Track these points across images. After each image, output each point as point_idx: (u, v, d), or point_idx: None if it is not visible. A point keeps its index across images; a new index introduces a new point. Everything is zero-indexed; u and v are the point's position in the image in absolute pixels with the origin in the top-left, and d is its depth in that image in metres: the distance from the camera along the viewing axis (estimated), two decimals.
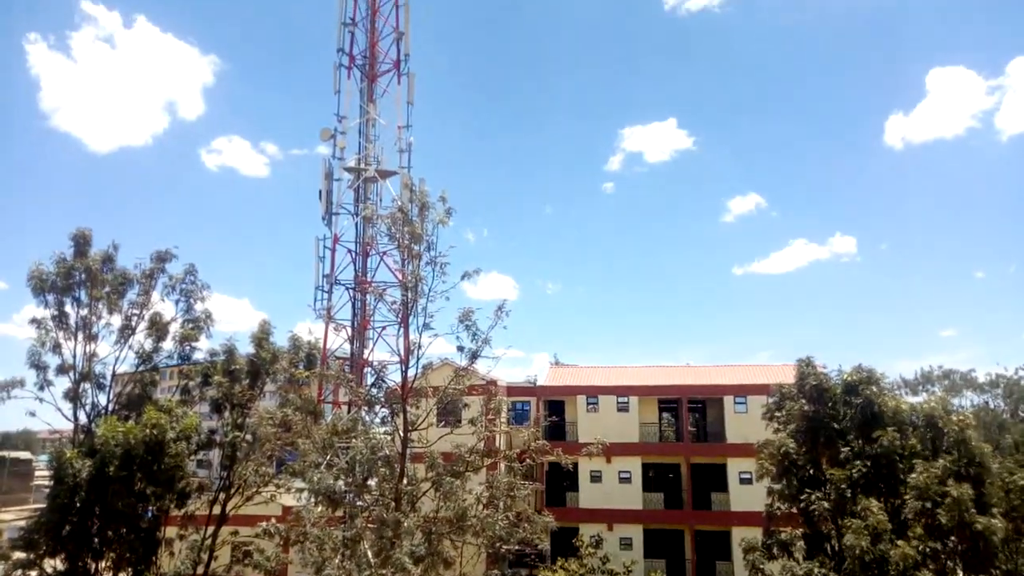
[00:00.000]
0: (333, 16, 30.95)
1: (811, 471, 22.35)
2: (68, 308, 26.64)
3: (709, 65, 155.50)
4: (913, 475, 19.50)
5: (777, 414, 24.01)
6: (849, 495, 20.60)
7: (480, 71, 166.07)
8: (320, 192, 29.94)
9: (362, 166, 30.32)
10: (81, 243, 26.66)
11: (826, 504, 20.80)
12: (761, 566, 22.40)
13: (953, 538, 18.88)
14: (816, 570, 20.18)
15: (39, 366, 26.23)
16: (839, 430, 22.04)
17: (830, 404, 22.47)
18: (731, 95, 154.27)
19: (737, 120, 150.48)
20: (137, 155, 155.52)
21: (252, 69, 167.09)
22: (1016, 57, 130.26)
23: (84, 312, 26.76)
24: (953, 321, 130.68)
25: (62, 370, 26.52)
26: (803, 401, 22.93)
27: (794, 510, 22.48)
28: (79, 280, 26.43)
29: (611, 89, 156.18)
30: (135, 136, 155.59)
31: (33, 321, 26.28)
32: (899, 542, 18.32)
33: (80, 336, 26.69)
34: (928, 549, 18.41)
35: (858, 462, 20.97)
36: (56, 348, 26.42)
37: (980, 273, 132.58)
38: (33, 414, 43.16)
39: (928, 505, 18.81)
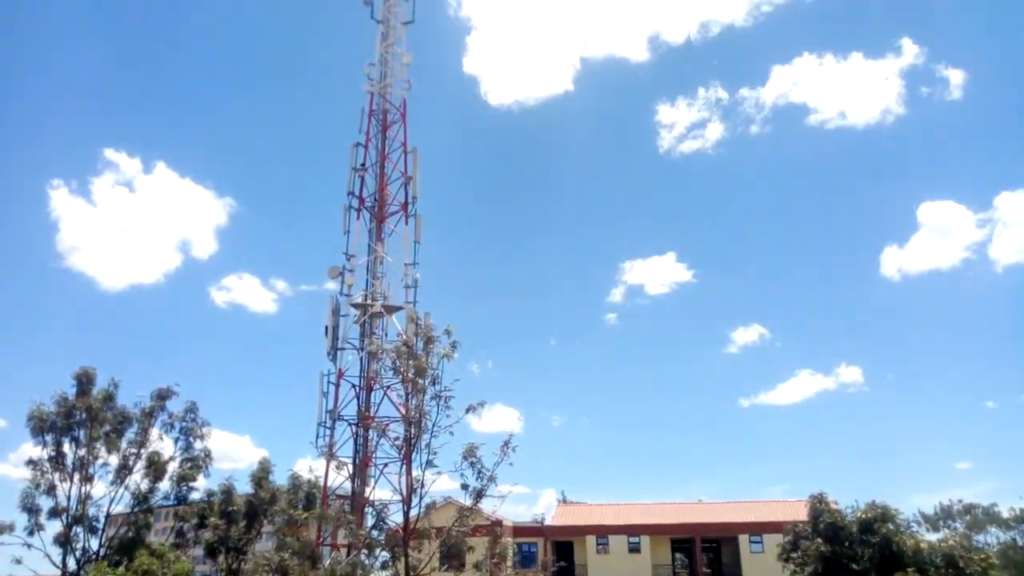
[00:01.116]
0: (345, 160, 32.54)
1: None
2: (66, 448, 26.36)
3: (705, 202, 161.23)
4: None
5: (793, 555, 23.08)
6: None
7: (485, 208, 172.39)
8: (326, 328, 30.25)
9: (368, 302, 30.83)
10: (84, 382, 26.73)
11: None
12: None
13: None
14: None
15: (31, 509, 25.59)
16: (858, 571, 21.10)
17: (846, 543, 21.65)
18: (728, 229, 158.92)
19: (735, 253, 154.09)
20: (147, 293, 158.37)
21: (265, 209, 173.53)
22: (1002, 192, 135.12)
23: (82, 452, 26.42)
24: (968, 453, 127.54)
25: (55, 513, 25.83)
26: (819, 540, 22.12)
27: None
28: (79, 419, 26.29)
29: (610, 225, 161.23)
30: (147, 275, 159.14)
31: (29, 462, 25.92)
32: None
33: (76, 477, 26.20)
34: None
35: None
36: (51, 490, 25.87)
37: (991, 403, 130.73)
38: (19, 561, 41.20)
39: None
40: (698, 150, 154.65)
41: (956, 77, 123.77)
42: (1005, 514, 53.35)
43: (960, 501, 55.58)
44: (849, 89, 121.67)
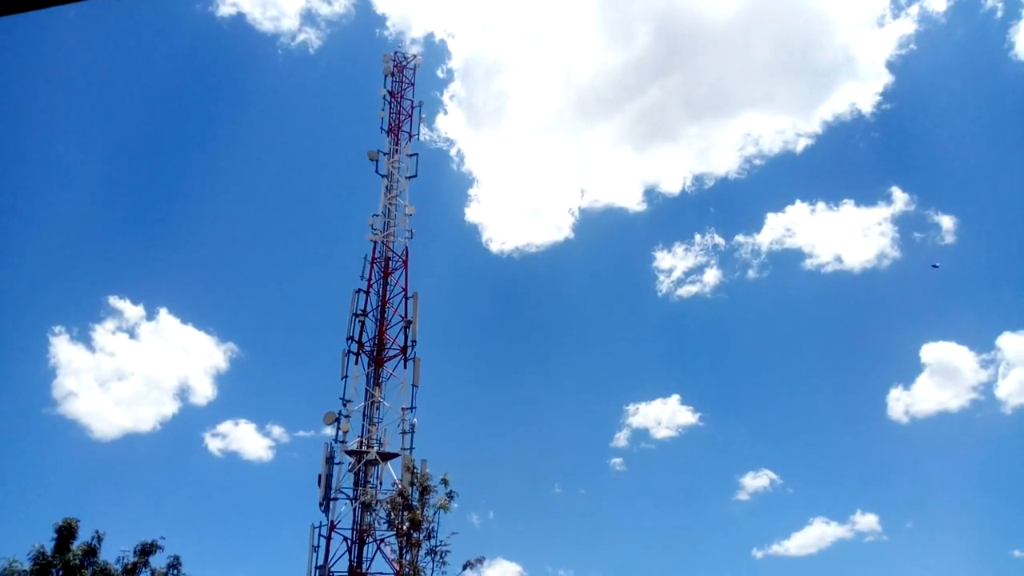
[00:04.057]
0: (346, 306, 33.01)
1: None
2: None
3: (707, 344, 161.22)
4: None
5: None
6: None
7: (485, 353, 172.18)
8: (319, 477, 29.43)
9: (364, 448, 30.17)
10: (65, 535, 25.54)
11: None
12: None
13: None
14: None
15: None
16: None
17: None
18: (732, 372, 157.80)
19: (741, 396, 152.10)
20: (141, 441, 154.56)
21: (266, 355, 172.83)
22: (1004, 332, 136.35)
23: None
24: None
25: None
26: None
27: None
28: None
29: (613, 368, 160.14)
30: (142, 422, 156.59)
31: None
32: None
33: None
34: None
35: None
36: None
37: (1018, 552, 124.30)
38: None
39: None
40: (697, 294, 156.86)
41: (947, 223, 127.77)
42: None
43: None
44: (843, 235, 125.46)
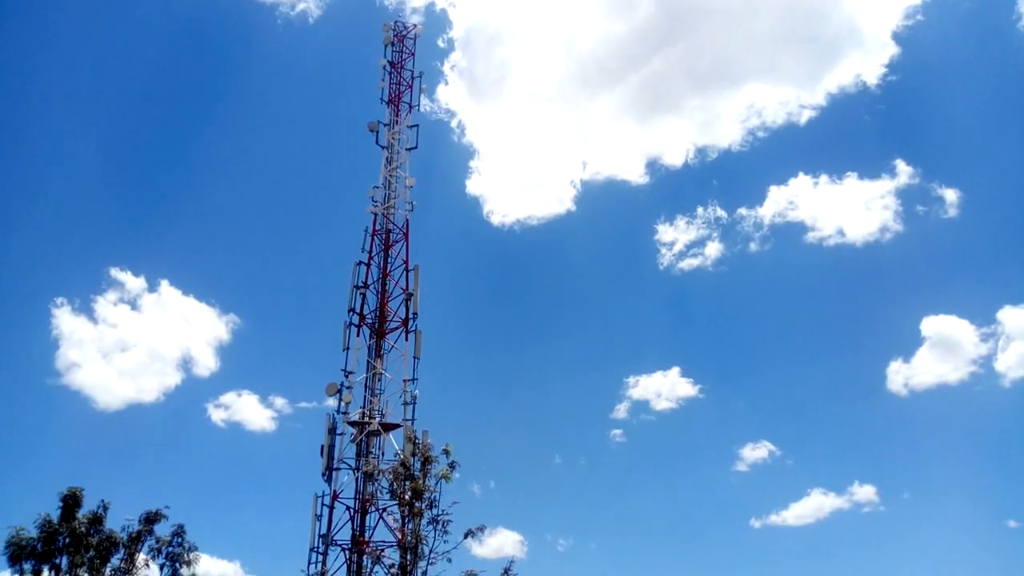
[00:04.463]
0: (347, 278, 32.95)
1: None
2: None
3: (708, 317, 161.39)
4: None
5: None
6: None
7: (486, 325, 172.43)
8: (322, 447, 29.65)
9: (366, 419, 30.36)
10: (70, 504, 25.82)
11: None
12: None
13: None
14: None
15: None
16: None
17: None
18: (732, 345, 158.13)
19: (741, 369, 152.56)
20: (145, 412, 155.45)
21: (268, 326, 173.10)
22: (1004, 306, 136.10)
23: None
24: (993, 575, 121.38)
25: None
26: None
27: None
28: (62, 545, 25.21)
29: (613, 340, 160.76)
30: (146, 393, 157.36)
31: None
32: None
33: None
34: None
35: None
36: None
37: (1012, 522, 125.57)
38: None
39: None
40: (698, 267, 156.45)
41: (951, 196, 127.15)
42: None
43: None
44: (846, 208, 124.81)
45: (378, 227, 34.04)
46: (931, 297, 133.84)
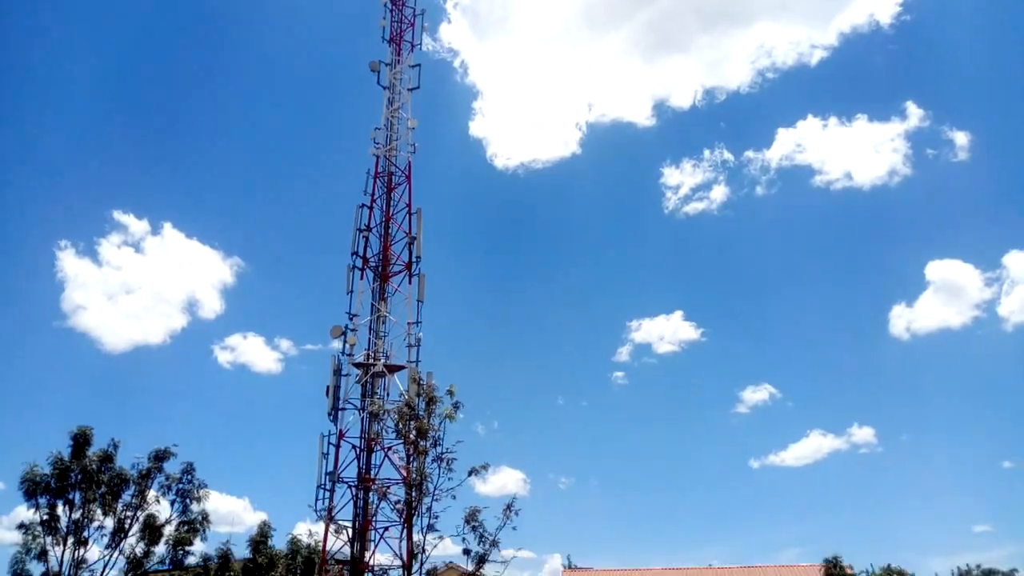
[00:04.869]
0: (350, 220, 32.89)
1: None
2: (60, 511, 25.84)
3: (712, 261, 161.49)
4: None
5: None
6: None
7: (490, 269, 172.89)
8: (327, 388, 30.01)
9: (371, 361, 30.65)
10: (80, 442, 26.38)
11: None
12: None
13: None
14: None
15: (21, 575, 24.98)
16: None
17: None
18: (736, 288, 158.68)
19: (744, 312, 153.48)
20: (151, 354, 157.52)
21: (272, 269, 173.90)
22: (1011, 251, 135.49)
23: (77, 515, 25.89)
24: (986, 516, 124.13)
25: None
26: None
27: None
28: (75, 481, 25.86)
29: (616, 283, 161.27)
30: (152, 335, 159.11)
31: (20, 526, 25.37)
32: None
33: (69, 541, 25.62)
34: None
35: None
36: (42, 555, 25.28)
37: (1008, 463, 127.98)
38: None
39: None
40: (703, 211, 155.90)
41: (961, 139, 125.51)
42: None
43: (979, 566, 53.97)
44: (854, 151, 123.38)
45: (380, 169, 33.75)
46: (937, 241, 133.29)
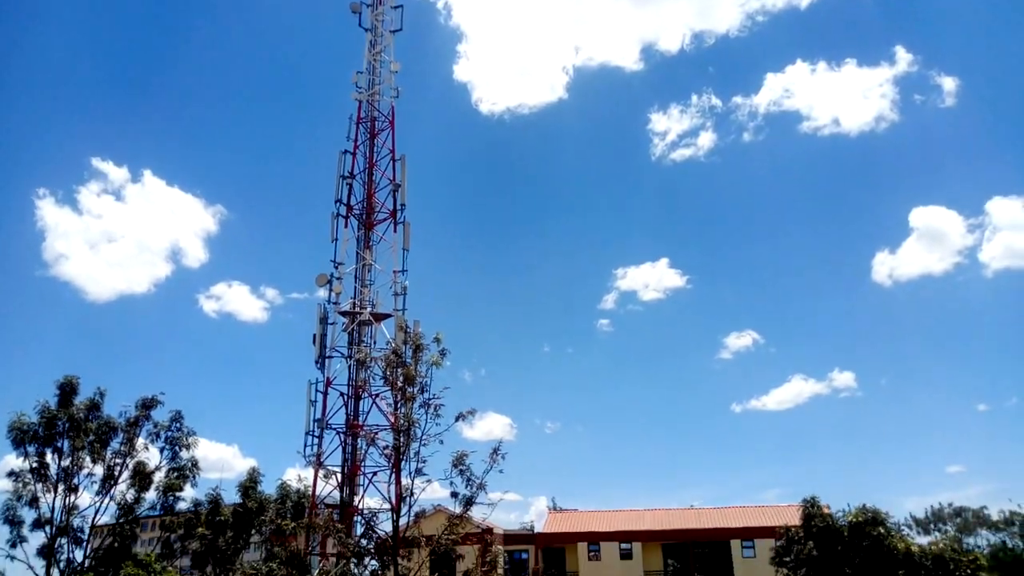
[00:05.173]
0: (334, 167, 32.45)
1: None
2: (49, 459, 26.01)
3: (698, 209, 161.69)
4: None
5: (786, 559, 23.11)
6: None
7: (476, 216, 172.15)
8: (314, 336, 30.05)
9: (356, 310, 30.65)
10: (67, 391, 26.41)
11: None
12: None
13: None
14: None
15: (13, 521, 25.27)
16: (850, 574, 21.12)
17: (839, 546, 21.66)
18: (721, 235, 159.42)
19: (729, 259, 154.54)
20: (136, 303, 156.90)
21: (255, 217, 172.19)
22: (994, 197, 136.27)
23: (66, 463, 26.09)
24: (959, 457, 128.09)
25: (38, 524, 25.50)
26: (811, 544, 22.14)
27: None
28: (62, 430, 25.97)
29: (603, 231, 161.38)
30: (136, 284, 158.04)
31: (11, 474, 25.56)
32: None
33: (60, 488, 25.87)
34: None
35: None
36: (33, 502, 25.55)
37: (982, 406, 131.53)
38: (2, 574, 40.70)
39: None
40: (690, 158, 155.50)
41: (949, 84, 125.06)
42: (995, 517, 53.76)
43: (951, 505, 55.97)
44: (843, 97, 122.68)
45: (363, 115, 33.16)
46: (922, 188, 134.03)
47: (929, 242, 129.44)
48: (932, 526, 54.06)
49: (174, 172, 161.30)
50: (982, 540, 53.22)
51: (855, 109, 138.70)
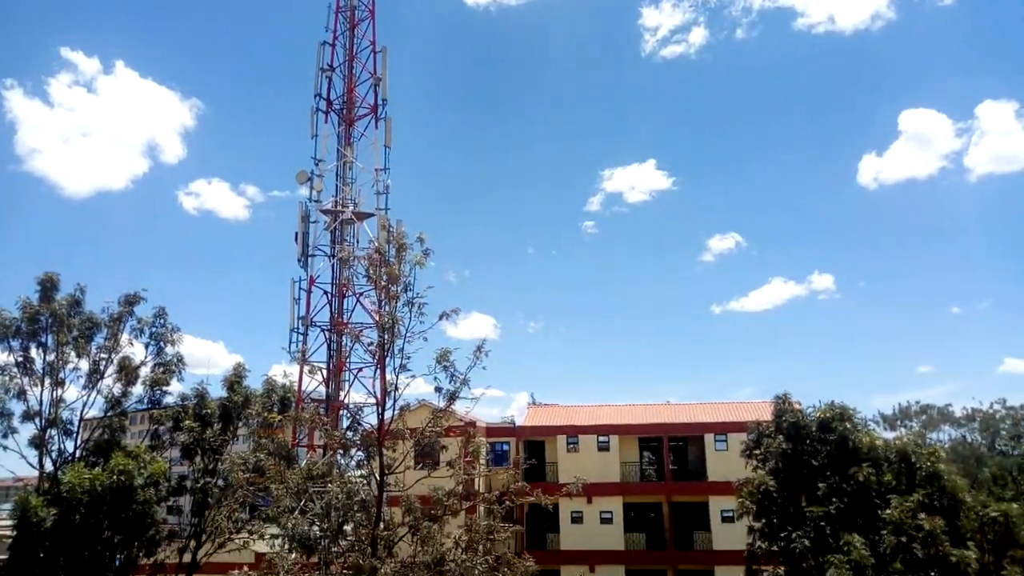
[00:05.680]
0: (313, 60, 31.36)
1: (791, 508, 22.34)
2: (34, 353, 26.19)
3: (686, 108, 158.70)
4: (888, 510, 19.58)
5: (756, 451, 24.07)
6: (828, 532, 20.59)
7: (460, 113, 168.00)
8: (296, 234, 29.85)
9: (339, 208, 30.32)
10: (48, 287, 26.29)
11: (806, 542, 20.76)
12: None
13: (932, 572, 18.89)
14: None
15: (2, 413, 25.69)
16: (816, 466, 22.12)
17: (807, 441, 22.58)
18: (708, 136, 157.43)
19: (715, 160, 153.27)
20: (114, 199, 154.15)
21: (234, 112, 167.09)
22: (985, 100, 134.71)
23: (51, 357, 26.29)
24: (930, 357, 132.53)
25: (27, 416, 25.96)
26: (781, 438, 23.02)
27: (775, 548, 22.41)
28: (45, 325, 26.02)
29: (590, 131, 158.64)
30: (113, 180, 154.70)
31: None
32: None
33: (47, 382, 26.17)
34: None
35: (835, 498, 21.03)
36: (21, 395, 25.89)
37: (956, 309, 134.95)
38: None
39: (904, 539, 18.86)
40: (681, 55, 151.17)
41: None
42: (958, 413, 56.14)
43: (918, 402, 58.19)
44: None
45: (342, 3, 31.79)
46: (914, 90, 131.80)
47: (916, 145, 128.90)
48: (899, 422, 56.40)
49: (147, 64, 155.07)
50: (944, 435, 55.80)
51: (851, 6, 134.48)
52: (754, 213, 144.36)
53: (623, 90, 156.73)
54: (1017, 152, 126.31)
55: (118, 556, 23.57)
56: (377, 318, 15.55)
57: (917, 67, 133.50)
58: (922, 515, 18.94)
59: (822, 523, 20.77)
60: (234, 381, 28.14)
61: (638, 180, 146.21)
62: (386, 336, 14.90)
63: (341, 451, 16.72)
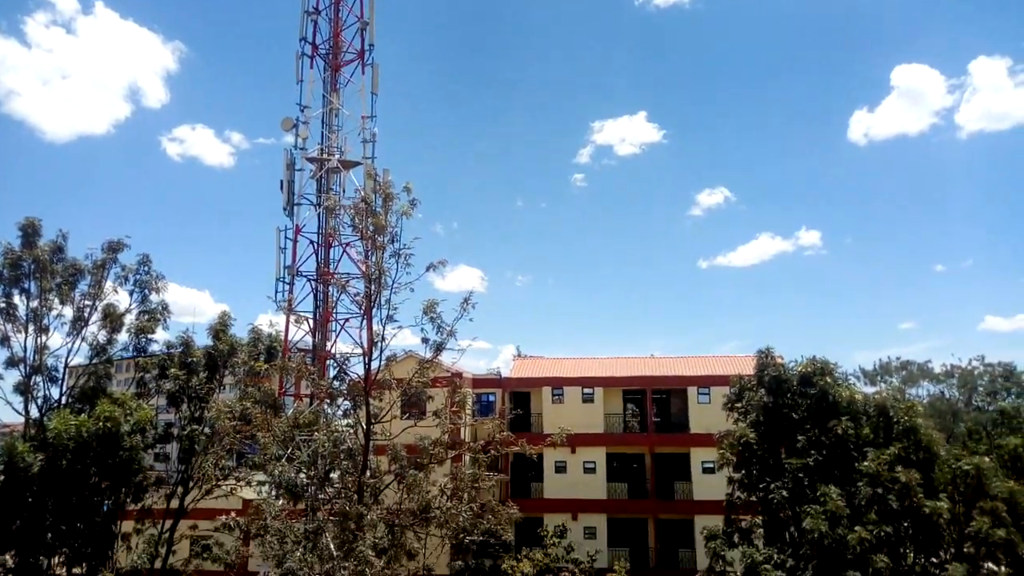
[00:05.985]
0: (298, 2, 30.52)
1: (770, 460, 22.82)
2: (17, 300, 25.95)
3: (679, 59, 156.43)
4: (865, 462, 20.04)
5: (737, 404, 24.44)
6: (806, 483, 21.08)
7: (448, 63, 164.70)
8: (282, 183, 29.45)
9: (325, 156, 29.88)
10: (29, 233, 25.93)
11: (784, 493, 21.26)
12: (722, 553, 22.84)
13: (905, 522, 19.45)
14: (775, 556, 20.61)
15: None
16: (796, 420, 22.51)
17: (788, 395, 22.93)
18: (700, 89, 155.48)
19: (706, 114, 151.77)
20: (97, 144, 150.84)
21: (218, 56, 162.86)
22: (979, 56, 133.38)
23: (34, 304, 26.07)
24: (912, 314, 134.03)
25: (12, 363, 25.84)
26: (762, 392, 23.37)
27: (754, 498, 22.95)
28: (28, 271, 25.74)
29: (581, 83, 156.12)
30: (95, 124, 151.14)
31: None
32: (855, 527, 18.80)
33: (31, 328, 26.01)
34: (883, 533, 18.94)
35: (814, 451, 21.48)
36: (4, 341, 25.74)
37: (940, 267, 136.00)
38: None
39: (880, 491, 19.35)
40: (675, 4, 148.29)
41: None
42: (937, 370, 57.12)
43: (898, 358, 59.11)
44: None
45: None
46: (907, 44, 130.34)
47: (908, 101, 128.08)
48: (879, 378, 57.30)
49: (128, 4, 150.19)
50: (923, 391, 56.84)
51: None
52: (743, 168, 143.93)
53: (615, 40, 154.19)
54: (1008, 110, 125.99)
55: (106, 501, 23.80)
56: (364, 268, 15.46)
57: (913, 20, 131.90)
58: (898, 468, 19.40)
59: (800, 475, 21.24)
60: (220, 330, 28.08)
61: (628, 132, 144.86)
62: (373, 287, 14.83)
63: (328, 400, 16.79)
